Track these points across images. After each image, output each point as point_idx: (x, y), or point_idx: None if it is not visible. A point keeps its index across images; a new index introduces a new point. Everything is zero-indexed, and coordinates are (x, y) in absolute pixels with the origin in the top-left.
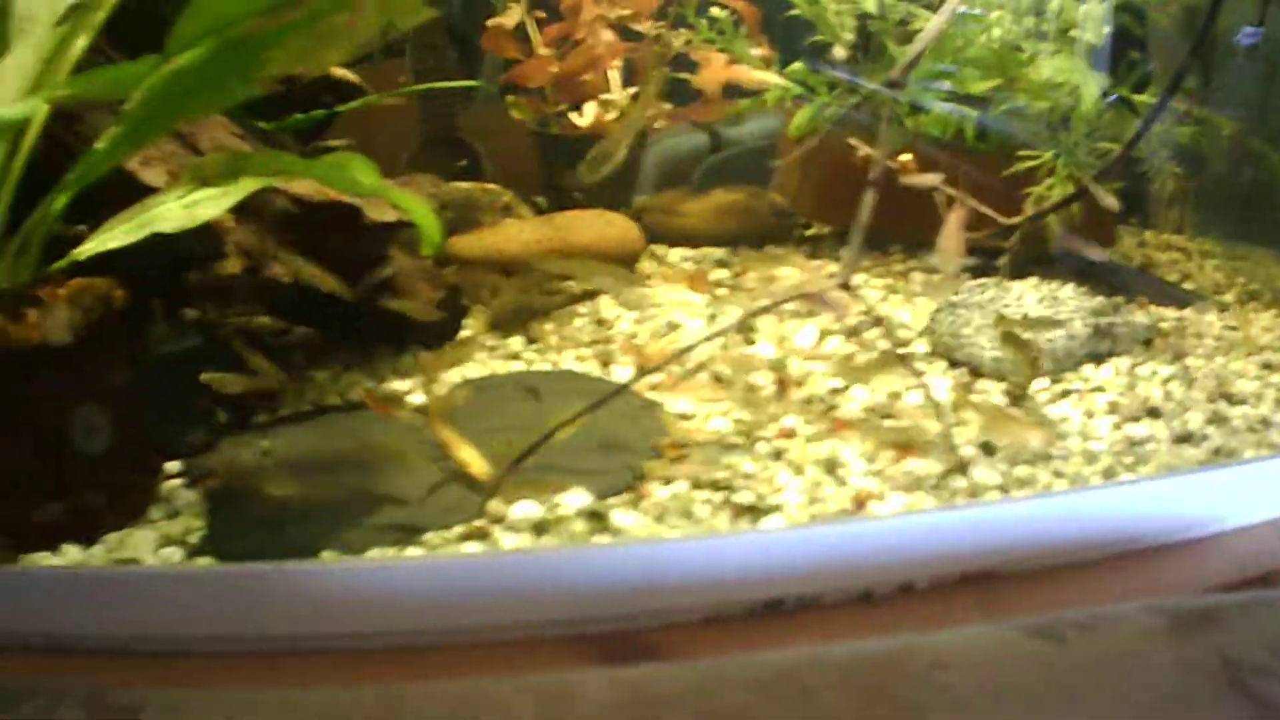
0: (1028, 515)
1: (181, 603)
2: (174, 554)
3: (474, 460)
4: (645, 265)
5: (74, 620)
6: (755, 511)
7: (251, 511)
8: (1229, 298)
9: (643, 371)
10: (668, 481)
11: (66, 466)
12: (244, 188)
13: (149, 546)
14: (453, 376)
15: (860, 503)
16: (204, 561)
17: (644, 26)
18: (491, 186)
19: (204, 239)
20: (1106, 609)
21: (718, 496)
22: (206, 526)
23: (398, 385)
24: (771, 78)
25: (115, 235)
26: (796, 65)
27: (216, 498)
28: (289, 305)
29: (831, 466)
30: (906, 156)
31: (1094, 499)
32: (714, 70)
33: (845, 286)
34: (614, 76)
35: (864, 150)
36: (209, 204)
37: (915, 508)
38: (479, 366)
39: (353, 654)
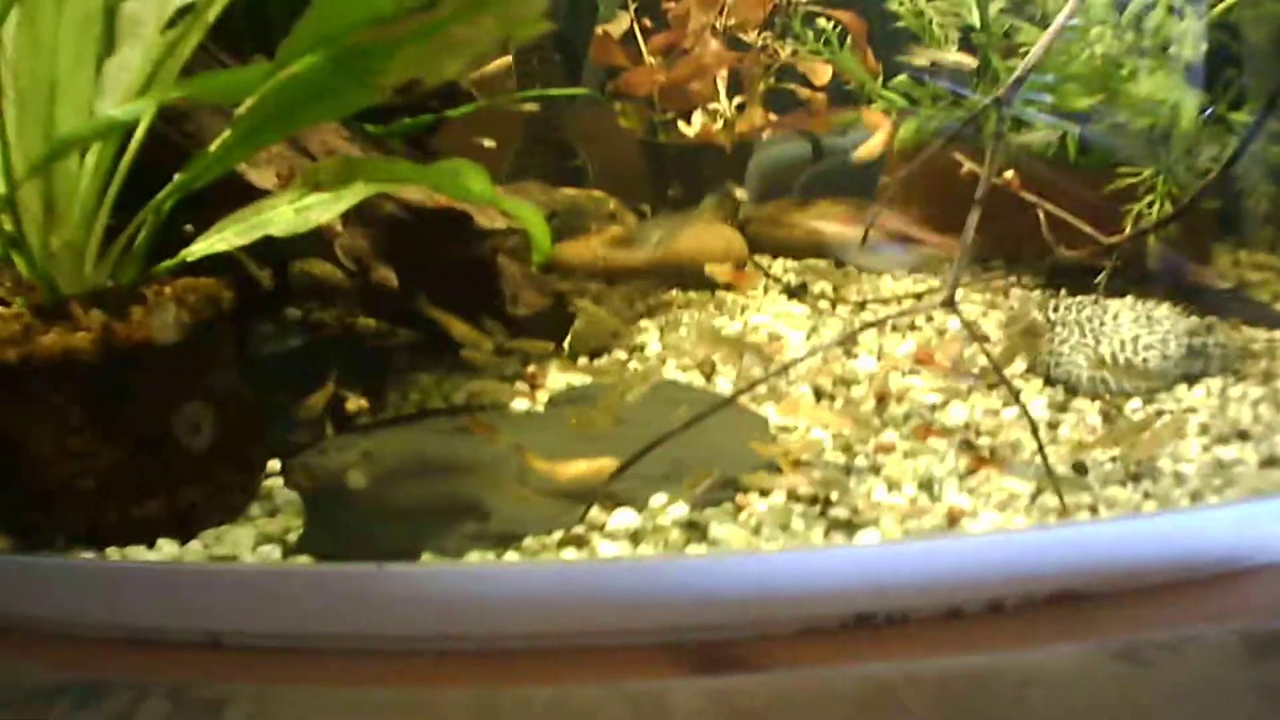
0: (1115, 536)
1: (274, 600)
2: (272, 551)
3: (581, 468)
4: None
5: (161, 615)
6: (851, 526)
7: (349, 513)
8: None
9: (746, 385)
10: (765, 494)
11: (168, 463)
12: (357, 193)
13: (247, 543)
14: (558, 384)
15: (953, 519)
16: (301, 560)
17: (750, 36)
18: (597, 194)
19: (313, 243)
20: (1187, 631)
21: (814, 510)
22: (304, 525)
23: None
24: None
25: (226, 236)
26: (901, 78)
27: (315, 497)
28: (395, 309)
29: (927, 482)
30: (1010, 174)
31: (1180, 521)
32: (820, 79)
33: (949, 303)
34: (720, 86)
35: (969, 166)
36: (320, 209)
37: (1006, 525)
38: (582, 375)
39: (447, 655)
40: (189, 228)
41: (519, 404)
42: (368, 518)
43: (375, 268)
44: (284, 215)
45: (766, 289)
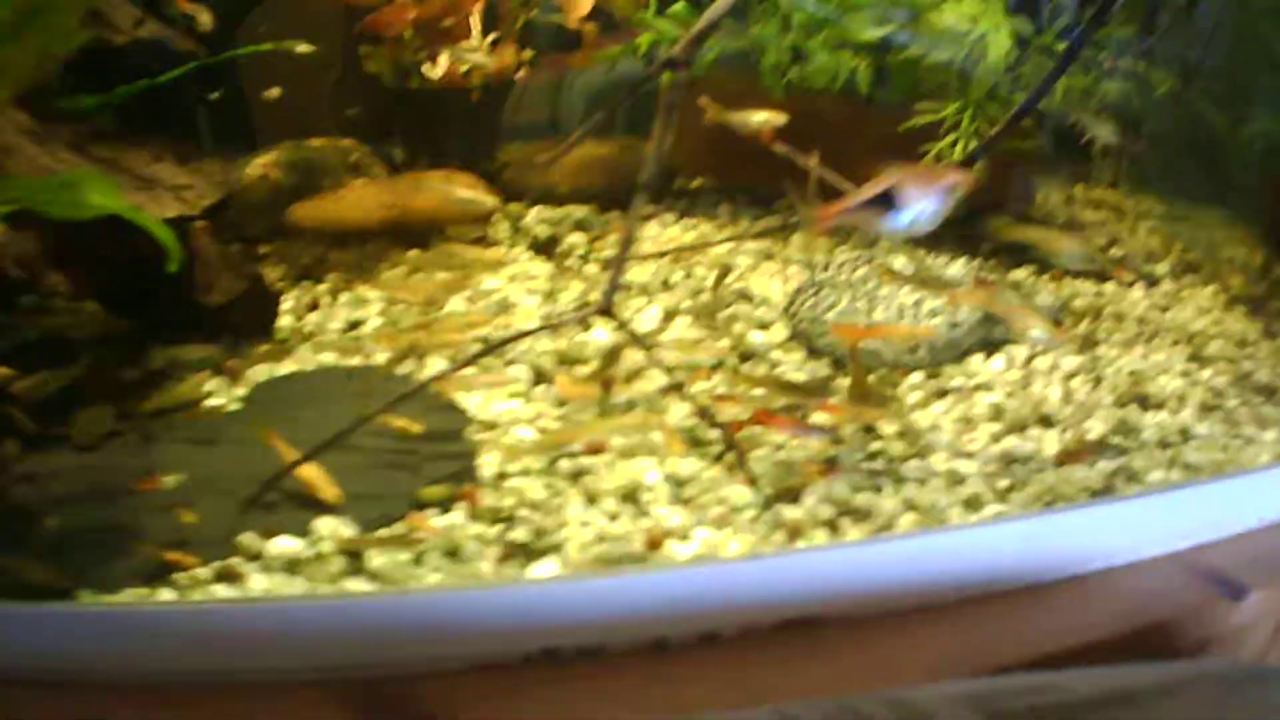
0: (857, 560)
1: None
2: None
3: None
4: (498, 229)
5: None
6: (529, 552)
7: (26, 542)
8: (1162, 268)
9: (451, 367)
10: (446, 510)
11: None
12: None
13: None
14: (261, 374)
15: (654, 544)
16: None
17: None
18: (345, 143)
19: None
20: (906, 693)
21: (493, 531)
22: None
23: (208, 386)
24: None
25: None
26: (679, 6)
27: None
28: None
29: (633, 492)
30: (762, 116)
31: (935, 543)
32: (579, 10)
33: (606, 311)
34: (475, 23)
35: (712, 111)
36: None
37: (723, 547)
38: (291, 362)
39: (111, 690)
40: None
41: (214, 401)
42: (43, 546)
43: (44, 273)
44: None
45: (512, 245)
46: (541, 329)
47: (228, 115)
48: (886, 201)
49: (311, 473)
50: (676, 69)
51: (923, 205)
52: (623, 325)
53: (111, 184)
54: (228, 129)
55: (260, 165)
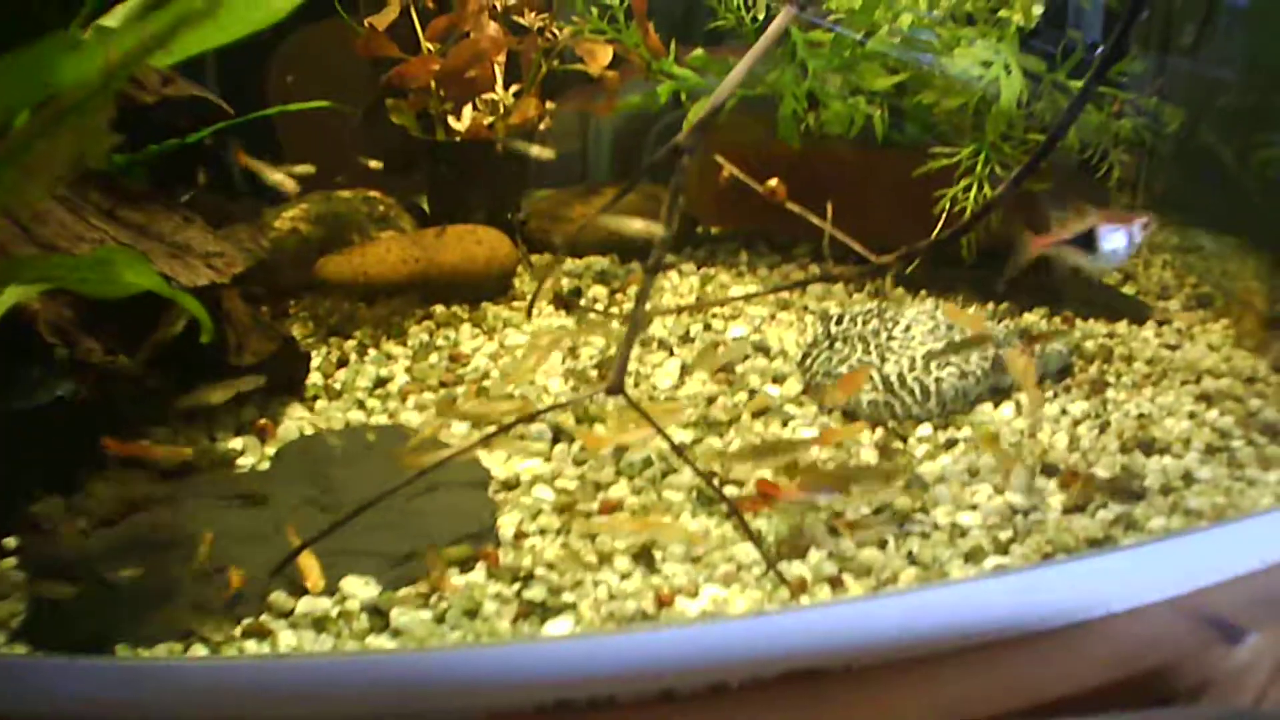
0: (858, 614)
1: None
2: None
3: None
4: (523, 282)
5: None
6: (545, 610)
7: (66, 595)
8: (1174, 304)
9: (482, 437)
10: (467, 569)
11: None
12: (7, 299)
13: None
14: (291, 431)
15: (664, 601)
16: (18, 649)
17: (527, 19)
18: (373, 194)
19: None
20: None
21: (511, 590)
22: (25, 611)
23: (233, 444)
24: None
25: None
26: (699, 52)
27: (36, 583)
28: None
29: (646, 551)
30: (774, 182)
31: (936, 597)
32: (601, 60)
33: (618, 390)
34: (498, 73)
35: (728, 170)
36: None
37: (730, 603)
38: (320, 419)
39: None
40: None
41: (245, 460)
42: (84, 600)
43: (80, 340)
44: None
45: (534, 300)
46: (564, 405)
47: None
48: (1086, 240)
49: (308, 563)
50: (682, 155)
51: (1119, 242)
52: (633, 404)
53: (143, 260)
54: (253, 180)
55: (289, 219)
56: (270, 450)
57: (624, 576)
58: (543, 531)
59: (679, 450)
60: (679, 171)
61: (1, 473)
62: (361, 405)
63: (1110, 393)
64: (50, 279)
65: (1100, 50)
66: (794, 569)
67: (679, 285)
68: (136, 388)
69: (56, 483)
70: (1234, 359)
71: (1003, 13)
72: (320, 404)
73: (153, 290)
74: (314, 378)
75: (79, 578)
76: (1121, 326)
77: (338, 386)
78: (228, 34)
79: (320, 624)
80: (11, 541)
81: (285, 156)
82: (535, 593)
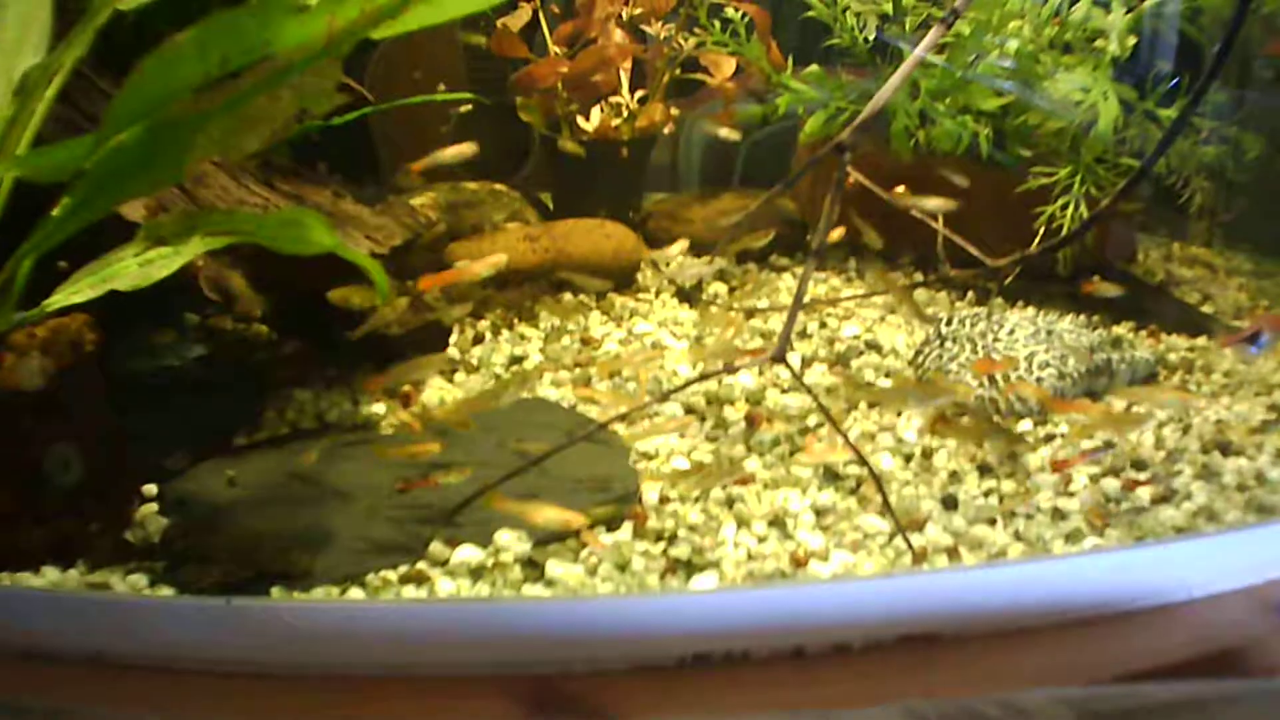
0: (970, 583)
1: (143, 626)
2: (140, 580)
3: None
4: (645, 276)
5: (43, 636)
6: (690, 567)
7: (214, 541)
8: (1247, 323)
9: (611, 419)
10: (612, 529)
11: (45, 498)
12: (194, 248)
13: (119, 572)
14: (432, 399)
15: (799, 563)
16: (163, 591)
17: (655, 28)
18: (499, 187)
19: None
20: (1013, 697)
21: (657, 548)
22: (167, 556)
23: (376, 408)
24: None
25: (80, 289)
26: (814, 68)
27: (179, 528)
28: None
29: (779, 518)
30: (901, 188)
31: (1041, 570)
32: (725, 71)
33: (779, 358)
34: (623, 79)
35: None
36: (162, 263)
37: (859, 567)
38: (459, 391)
39: (292, 681)
40: (63, 265)
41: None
42: (229, 546)
43: (239, 299)
44: (128, 269)
45: (658, 291)
46: (718, 373)
47: (357, 155)
48: (1253, 336)
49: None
50: (844, 152)
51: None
52: (793, 372)
53: (329, 223)
54: (357, 168)
55: (419, 206)
56: (406, 416)
57: (760, 540)
58: (682, 499)
59: (828, 415)
60: (841, 166)
61: (145, 429)
62: (498, 379)
63: (1191, 400)
64: (239, 233)
65: (1178, 81)
66: (913, 540)
67: (794, 287)
68: (271, 353)
69: (203, 439)
70: None
71: (1099, 43)
72: (459, 376)
73: (335, 252)
74: (450, 353)
75: (222, 528)
76: (1201, 341)
77: (474, 362)
78: (443, 14)
79: (477, 573)
80: (153, 489)
81: (380, 153)
82: (680, 551)
